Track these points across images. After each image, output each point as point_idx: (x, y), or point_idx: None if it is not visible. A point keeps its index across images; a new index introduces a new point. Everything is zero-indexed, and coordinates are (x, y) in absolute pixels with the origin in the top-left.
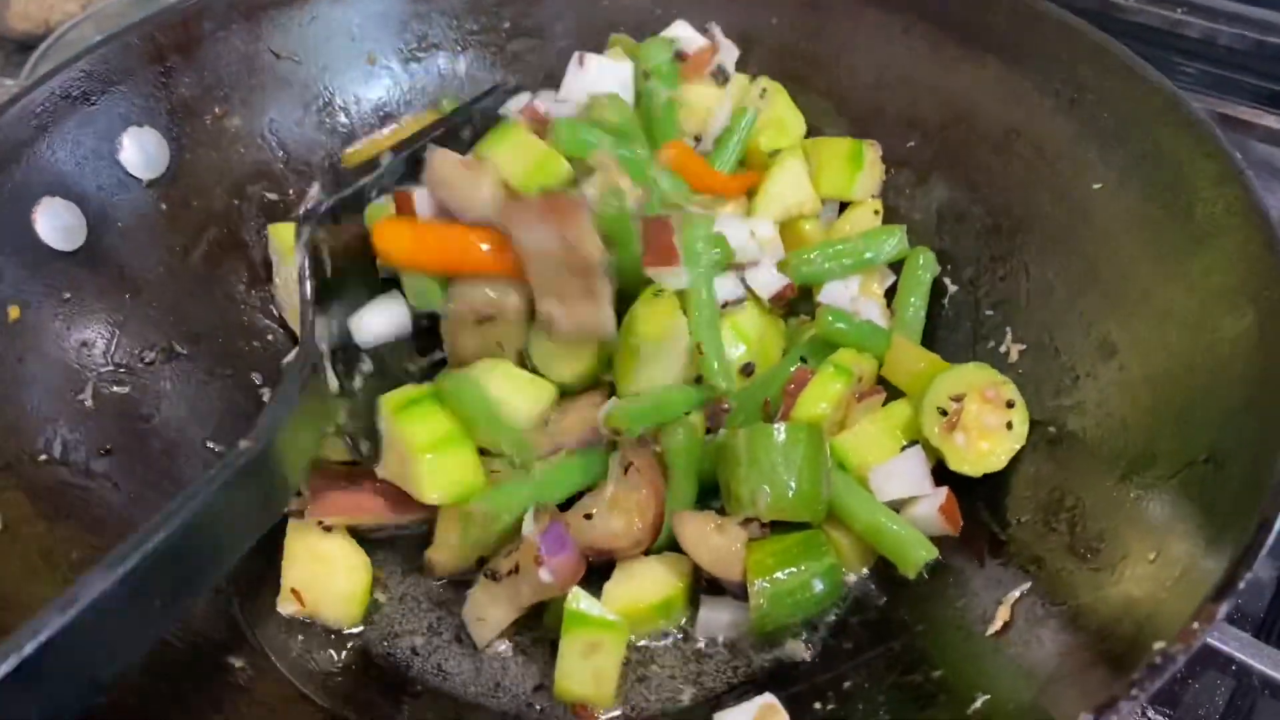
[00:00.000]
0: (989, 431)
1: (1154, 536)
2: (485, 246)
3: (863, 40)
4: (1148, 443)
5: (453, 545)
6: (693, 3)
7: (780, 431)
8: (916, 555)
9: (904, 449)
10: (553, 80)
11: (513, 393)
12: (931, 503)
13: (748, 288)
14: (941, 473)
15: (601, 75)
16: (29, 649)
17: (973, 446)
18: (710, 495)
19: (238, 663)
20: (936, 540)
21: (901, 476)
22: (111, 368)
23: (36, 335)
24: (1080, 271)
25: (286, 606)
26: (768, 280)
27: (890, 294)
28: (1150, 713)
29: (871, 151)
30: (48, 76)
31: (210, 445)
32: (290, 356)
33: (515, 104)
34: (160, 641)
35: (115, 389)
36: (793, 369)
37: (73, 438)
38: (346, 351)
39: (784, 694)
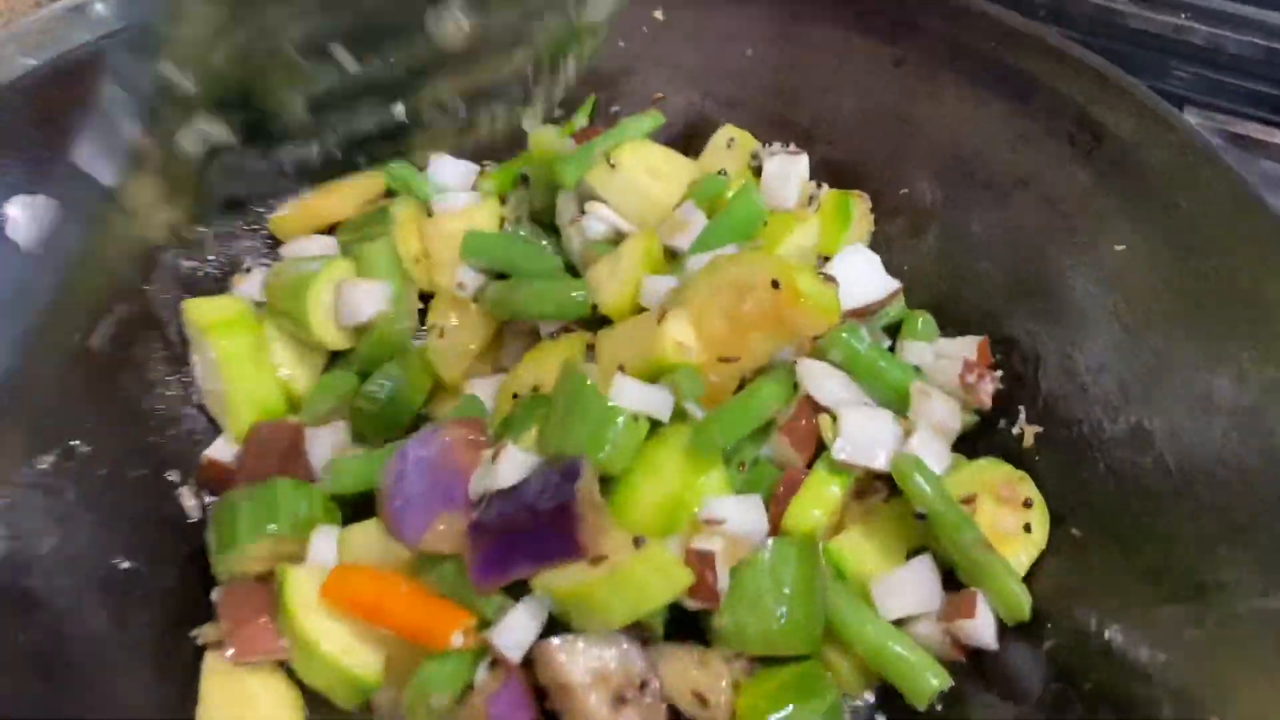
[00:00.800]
0: (1005, 537)
1: (1213, 692)
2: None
3: (849, 76)
4: (1194, 564)
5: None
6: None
7: (767, 550)
8: (927, 685)
9: (910, 556)
10: None
11: None
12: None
13: None
14: (951, 584)
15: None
16: None
17: None
18: (687, 624)
19: None
20: (951, 666)
21: (909, 590)
22: None
23: None
24: (1104, 345)
25: None
26: None
27: None
28: None
29: (859, 204)
30: None
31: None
32: None
33: None
34: None
35: None
36: (780, 472)
37: None
38: None
39: None
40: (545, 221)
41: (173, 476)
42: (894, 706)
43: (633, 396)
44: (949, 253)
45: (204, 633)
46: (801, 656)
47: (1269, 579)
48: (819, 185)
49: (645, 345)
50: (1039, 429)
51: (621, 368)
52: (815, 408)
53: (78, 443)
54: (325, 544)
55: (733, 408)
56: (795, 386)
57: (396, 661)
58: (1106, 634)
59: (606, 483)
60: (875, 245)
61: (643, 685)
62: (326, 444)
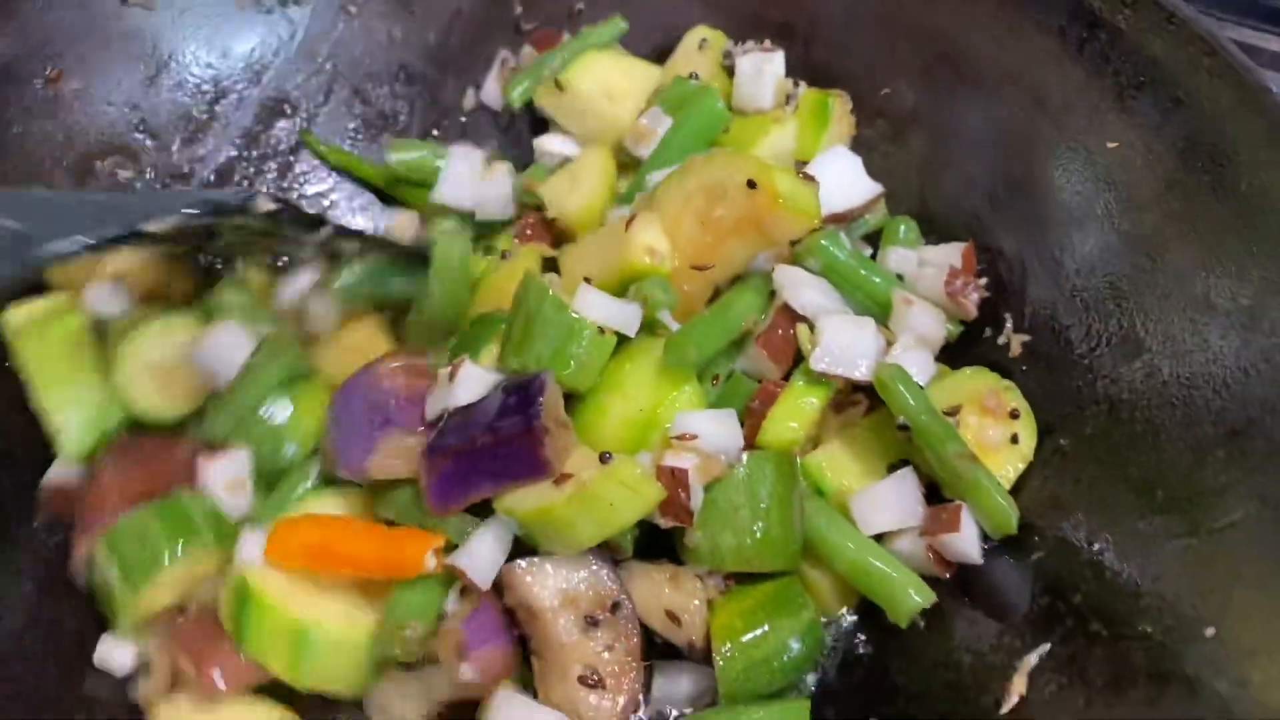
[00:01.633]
0: (991, 448)
1: (1208, 602)
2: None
3: None
4: (1188, 472)
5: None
6: None
7: (742, 465)
8: (909, 602)
9: (891, 469)
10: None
11: None
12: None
13: None
14: (934, 498)
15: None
16: None
17: None
18: (659, 543)
19: None
20: (933, 581)
21: (890, 504)
22: None
23: None
24: (1095, 247)
25: None
26: None
27: None
28: None
29: (839, 104)
30: None
31: None
32: None
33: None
34: None
35: None
36: (757, 383)
37: None
38: None
39: None
40: None
41: None
42: (874, 624)
43: (599, 308)
44: (932, 157)
45: (145, 689)
46: (779, 573)
47: (1266, 485)
48: (796, 84)
49: (613, 255)
50: (1026, 338)
51: (587, 280)
52: (793, 317)
53: None
54: (254, 545)
55: (707, 319)
56: (771, 295)
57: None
58: (1096, 546)
59: (572, 400)
60: (855, 150)
61: (614, 606)
62: (225, 473)
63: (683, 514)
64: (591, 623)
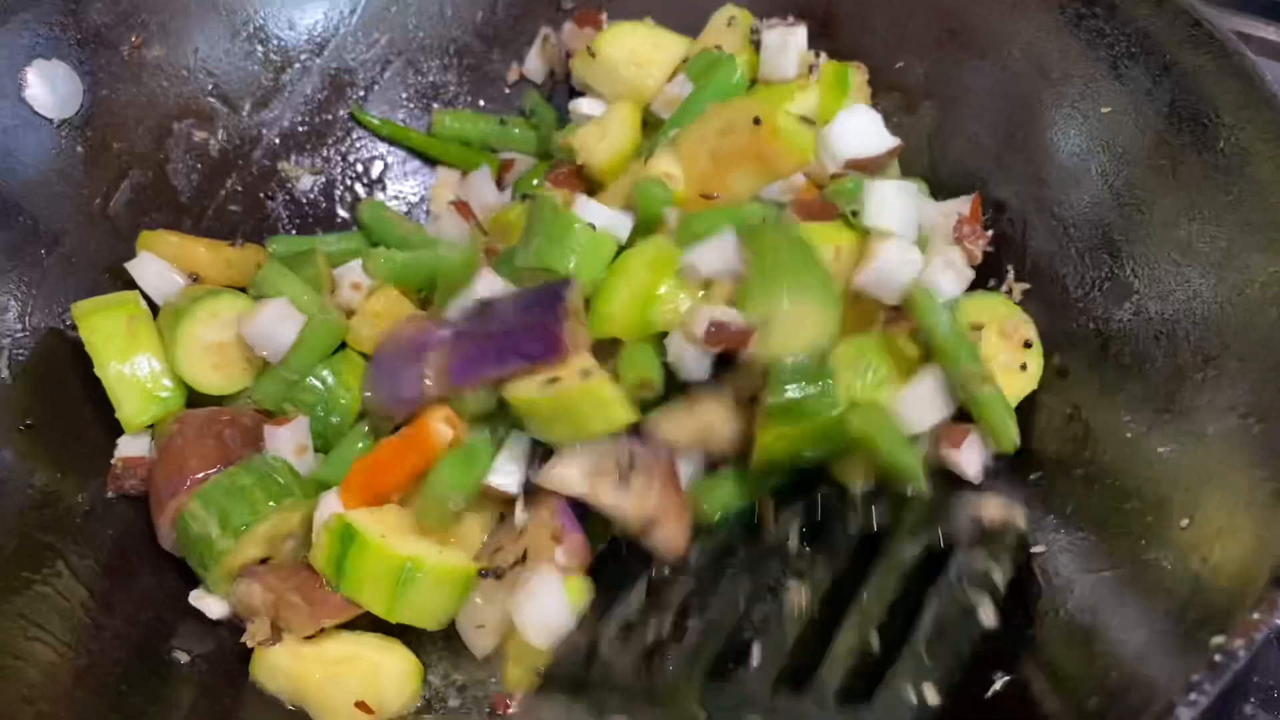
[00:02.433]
0: (1004, 369)
1: (1186, 498)
2: None
3: None
4: (1171, 393)
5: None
6: None
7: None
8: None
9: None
10: None
11: None
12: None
13: None
14: None
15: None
16: None
17: None
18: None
19: None
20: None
21: (931, 402)
22: (28, 333)
23: None
24: (1089, 203)
25: None
26: None
27: None
28: None
29: (858, 75)
30: None
31: None
32: None
33: None
34: None
35: (34, 356)
36: None
37: None
38: None
39: None
40: None
41: None
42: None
43: (593, 212)
44: (941, 124)
45: (253, 633)
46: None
47: (1236, 399)
48: (817, 55)
49: (630, 184)
50: (1027, 286)
51: None
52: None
53: None
54: (333, 498)
55: (718, 210)
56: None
57: None
58: (1088, 454)
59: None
60: None
61: (632, 461)
62: (291, 440)
63: (741, 338)
64: (623, 479)
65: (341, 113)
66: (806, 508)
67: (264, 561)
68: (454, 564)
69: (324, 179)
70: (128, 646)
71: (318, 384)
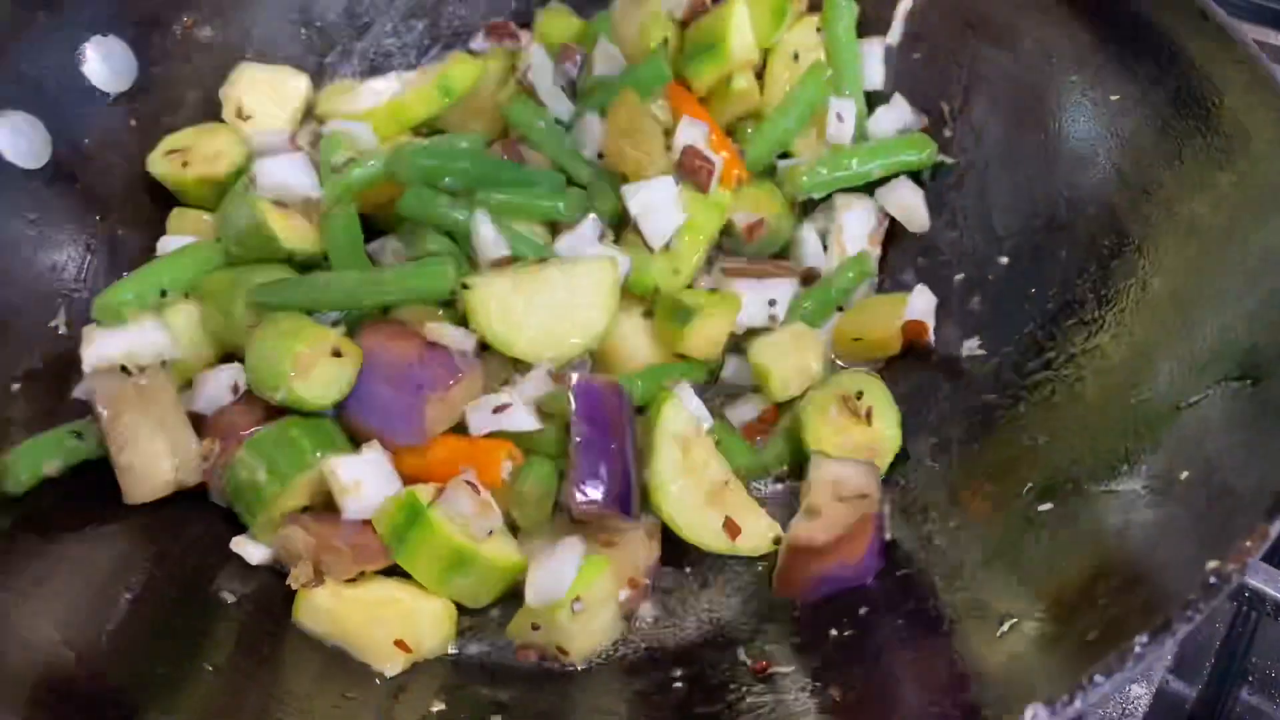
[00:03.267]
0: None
1: (1186, 452)
2: None
3: None
4: (1175, 361)
5: None
6: None
7: None
8: None
9: None
10: None
11: None
12: None
13: None
14: None
15: None
16: None
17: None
18: None
19: None
20: None
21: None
22: (86, 292)
23: (1, 258)
24: (1095, 184)
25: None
26: None
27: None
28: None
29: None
30: None
31: None
32: None
33: None
34: None
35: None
36: None
37: (45, 367)
38: None
39: None
40: None
41: None
42: None
43: None
44: (960, 113)
45: (296, 575)
46: None
47: (1226, 370)
48: None
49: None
50: None
51: None
52: None
53: None
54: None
55: None
56: None
57: None
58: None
59: None
60: None
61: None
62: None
63: None
64: None
65: None
66: None
67: (305, 510)
68: (507, 558)
69: None
70: (178, 585)
71: None
